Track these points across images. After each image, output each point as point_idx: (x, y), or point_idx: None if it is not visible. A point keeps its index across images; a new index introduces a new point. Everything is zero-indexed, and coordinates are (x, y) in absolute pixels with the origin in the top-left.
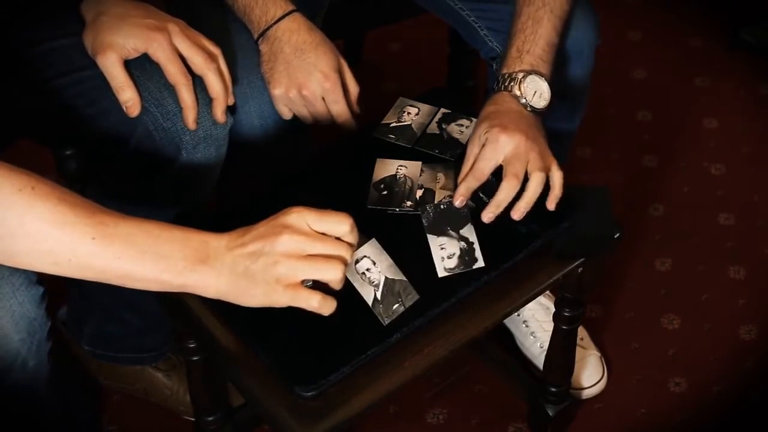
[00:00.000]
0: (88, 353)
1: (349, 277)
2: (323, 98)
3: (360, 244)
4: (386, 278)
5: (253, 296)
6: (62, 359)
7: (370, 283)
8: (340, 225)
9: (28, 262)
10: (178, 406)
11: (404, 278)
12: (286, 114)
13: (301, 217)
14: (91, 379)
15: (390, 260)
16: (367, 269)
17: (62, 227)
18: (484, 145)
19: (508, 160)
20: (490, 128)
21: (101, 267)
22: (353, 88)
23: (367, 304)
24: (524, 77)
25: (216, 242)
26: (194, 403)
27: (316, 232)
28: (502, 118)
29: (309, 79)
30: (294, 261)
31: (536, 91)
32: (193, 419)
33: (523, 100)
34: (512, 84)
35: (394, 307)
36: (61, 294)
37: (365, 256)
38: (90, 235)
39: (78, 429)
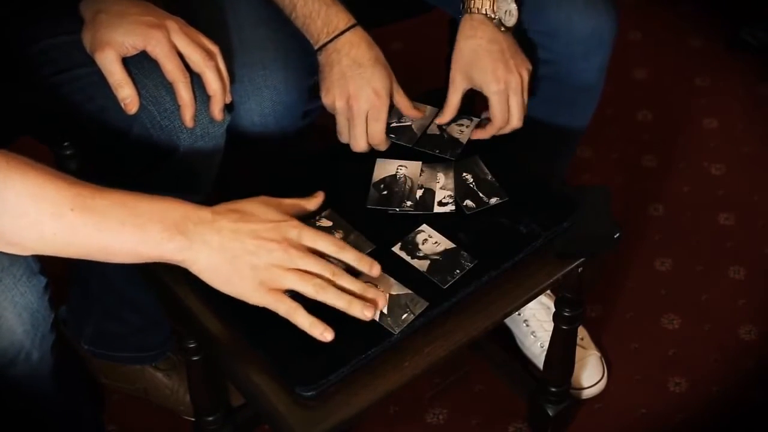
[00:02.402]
0: (88, 353)
1: None
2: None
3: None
4: (390, 295)
5: (231, 285)
6: (64, 355)
7: None
8: (330, 245)
9: (17, 241)
10: (178, 406)
11: (409, 291)
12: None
13: (298, 233)
14: (92, 378)
15: (392, 280)
16: None
17: (42, 200)
18: (490, 98)
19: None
20: (498, 94)
21: (83, 240)
22: (406, 112)
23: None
24: None
25: (197, 215)
26: (194, 403)
27: (308, 248)
28: (489, 62)
29: (360, 93)
30: (282, 270)
31: (507, 10)
32: (193, 419)
33: (496, 20)
34: (483, 3)
35: (404, 316)
36: (61, 293)
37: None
38: (69, 207)
39: (79, 425)
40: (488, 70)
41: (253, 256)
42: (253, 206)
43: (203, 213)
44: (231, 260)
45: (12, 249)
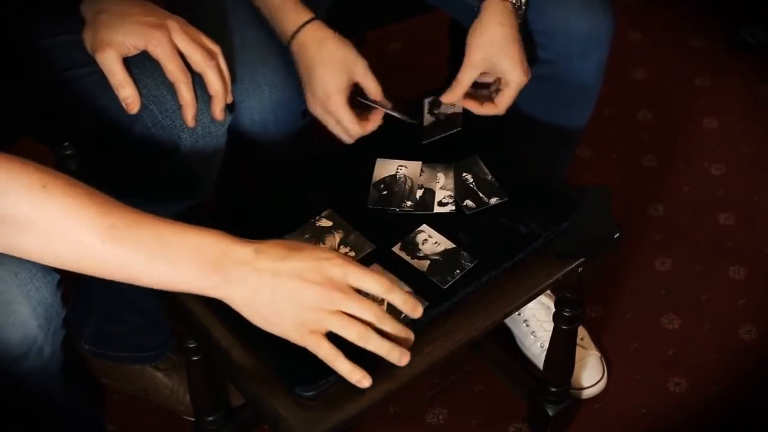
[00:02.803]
0: (89, 353)
1: None
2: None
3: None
4: None
5: (271, 324)
6: (71, 352)
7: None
8: (377, 286)
9: (39, 258)
10: (178, 406)
11: (409, 289)
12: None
13: (343, 273)
14: (92, 378)
15: (393, 277)
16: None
17: (69, 230)
18: (508, 86)
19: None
20: (519, 86)
21: (110, 270)
22: (374, 96)
23: None
24: None
25: (238, 253)
26: (194, 403)
27: (352, 288)
28: (517, 52)
29: (314, 100)
30: (324, 313)
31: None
32: (193, 419)
33: (521, 12)
34: None
35: (401, 317)
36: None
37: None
38: (98, 239)
39: (80, 424)
40: (518, 60)
41: (294, 298)
42: (301, 242)
43: (245, 250)
44: (270, 302)
45: (27, 258)
